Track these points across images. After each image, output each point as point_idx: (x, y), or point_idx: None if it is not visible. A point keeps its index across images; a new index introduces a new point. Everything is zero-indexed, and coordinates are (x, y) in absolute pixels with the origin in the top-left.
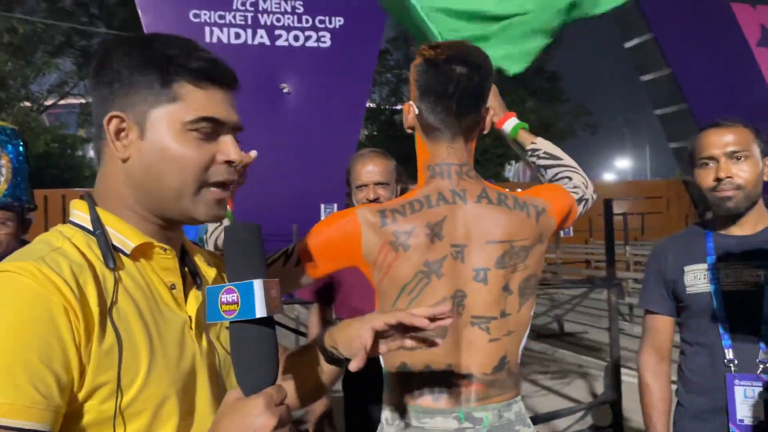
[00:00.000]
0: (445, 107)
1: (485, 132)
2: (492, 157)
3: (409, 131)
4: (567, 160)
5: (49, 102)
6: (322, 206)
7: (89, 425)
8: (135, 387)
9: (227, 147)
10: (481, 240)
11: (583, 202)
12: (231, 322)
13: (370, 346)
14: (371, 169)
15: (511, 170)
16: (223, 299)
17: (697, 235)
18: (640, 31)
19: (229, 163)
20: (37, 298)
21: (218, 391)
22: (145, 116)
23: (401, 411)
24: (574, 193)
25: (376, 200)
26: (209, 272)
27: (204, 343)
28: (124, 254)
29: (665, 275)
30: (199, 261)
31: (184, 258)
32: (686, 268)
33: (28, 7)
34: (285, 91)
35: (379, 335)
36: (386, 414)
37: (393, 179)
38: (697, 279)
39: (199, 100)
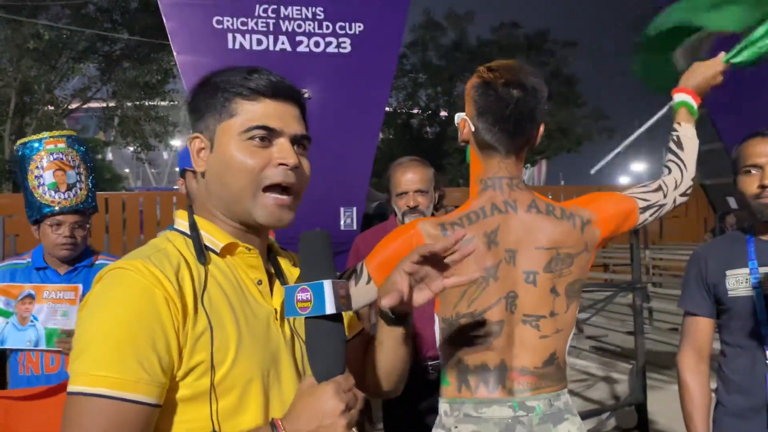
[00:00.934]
0: (502, 128)
1: (535, 146)
2: None
3: (463, 144)
4: (687, 153)
5: (72, 106)
6: (342, 210)
7: (188, 399)
8: (225, 365)
9: (282, 150)
10: (530, 246)
11: (652, 210)
12: (306, 318)
13: (408, 294)
14: (411, 177)
15: (526, 173)
16: (298, 297)
17: (739, 240)
18: None
19: (284, 165)
20: (143, 290)
21: (299, 376)
22: (214, 133)
23: (459, 403)
24: (645, 200)
25: (415, 207)
26: (294, 272)
27: (288, 332)
28: (215, 252)
29: (706, 279)
30: (284, 261)
31: (271, 258)
32: (728, 273)
33: (53, 14)
34: (306, 96)
35: (415, 281)
36: (444, 407)
37: (431, 186)
38: (738, 283)
39: (251, 112)
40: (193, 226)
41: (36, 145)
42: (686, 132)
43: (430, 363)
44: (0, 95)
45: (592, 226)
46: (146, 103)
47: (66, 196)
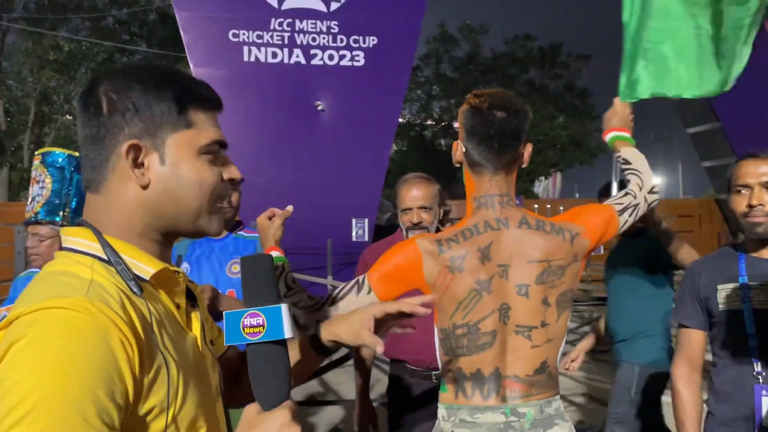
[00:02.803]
0: (488, 146)
1: (524, 165)
2: (522, 174)
3: (457, 165)
4: (636, 164)
5: None
6: (354, 221)
7: None
8: (177, 403)
9: (230, 166)
10: (522, 260)
11: (629, 210)
12: (251, 344)
13: (374, 332)
14: (415, 194)
15: (541, 186)
16: (245, 323)
17: (730, 256)
18: None
19: (233, 180)
20: (97, 335)
21: (222, 403)
22: (164, 143)
23: (456, 408)
24: (619, 203)
25: (419, 223)
26: (196, 290)
27: (210, 359)
28: (144, 281)
29: (699, 292)
30: (184, 278)
31: None
32: (719, 287)
33: (73, 26)
34: (319, 108)
35: (378, 323)
36: (442, 412)
37: (436, 203)
38: (729, 297)
39: (210, 126)
40: (111, 250)
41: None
42: (627, 152)
43: (434, 372)
44: (20, 105)
45: (581, 237)
46: None
47: (28, 209)
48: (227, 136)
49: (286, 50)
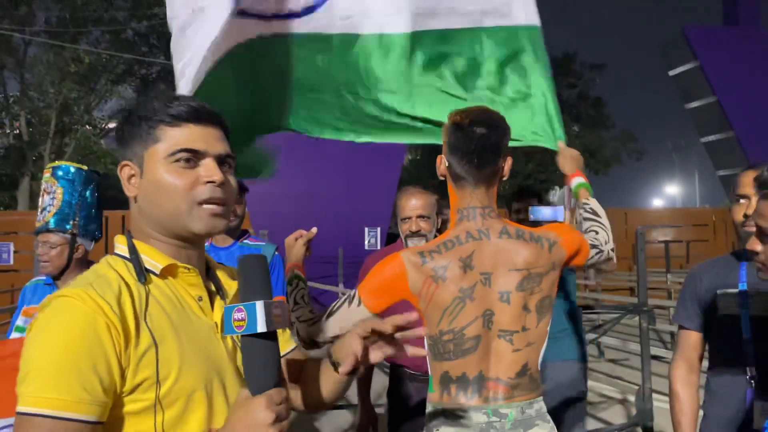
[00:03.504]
0: (468, 161)
1: (505, 178)
2: (536, 183)
3: (441, 178)
4: (603, 219)
5: (110, 125)
6: (366, 230)
7: (135, 413)
8: (170, 379)
9: (207, 169)
10: (504, 268)
11: (596, 250)
12: (241, 335)
13: (362, 355)
14: (414, 203)
15: (556, 195)
16: (234, 316)
17: (732, 263)
18: (685, 59)
19: (211, 182)
20: (85, 317)
21: (242, 385)
22: (142, 160)
23: (442, 408)
24: (592, 241)
25: (417, 232)
26: (232, 285)
27: (230, 344)
28: (155, 274)
29: (699, 296)
30: (223, 276)
31: (209, 274)
32: (719, 292)
33: (93, 39)
34: None
35: (369, 343)
36: (429, 412)
37: (434, 212)
38: (728, 303)
39: (175, 137)
40: (133, 249)
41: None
42: (594, 204)
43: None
44: (41, 116)
45: (559, 246)
46: None
47: (39, 218)
48: None
49: None
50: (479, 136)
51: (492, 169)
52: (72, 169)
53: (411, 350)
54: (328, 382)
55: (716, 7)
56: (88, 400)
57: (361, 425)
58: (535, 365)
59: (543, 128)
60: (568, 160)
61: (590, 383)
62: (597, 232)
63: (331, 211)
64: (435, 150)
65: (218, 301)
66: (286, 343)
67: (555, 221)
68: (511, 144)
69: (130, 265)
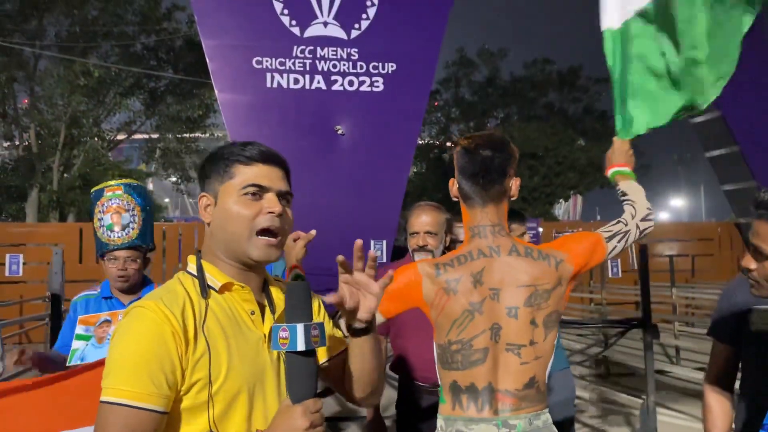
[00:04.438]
0: (476, 181)
1: (514, 197)
2: (541, 196)
3: (455, 199)
4: (632, 195)
5: (118, 138)
6: (372, 242)
7: (189, 408)
8: (219, 380)
9: (269, 202)
10: (512, 284)
11: (618, 237)
12: (286, 352)
13: (354, 302)
14: (424, 219)
15: (561, 208)
16: (280, 335)
17: None
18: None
19: (271, 213)
20: (155, 326)
21: (282, 393)
22: (218, 192)
23: (453, 419)
24: (608, 231)
25: (424, 246)
26: (283, 300)
27: (275, 355)
28: (214, 290)
29: (733, 310)
30: (276, 292)
31: (265, 288)
32: (754, 308)
33: (102, 52)
34: (339, 132)
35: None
36: (440, 422)
37: (442, 230)
38: (762, 318)
39: (246, 174)
40: (200, 268)
41: (100, 192)
42: (627, 185)
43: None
44: (51, 129)
45: (565, 263)
46: (187, 136)
47: (120, 234)
48: None
49: (307, 76)
50: (484, 158)
51: (498, 189)
52: (143, 187)
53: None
54: (356, 356)
55: None
56: (156, 393)
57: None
58: (542, 378)
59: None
60: (617, 153)
61: (595, 396)
62: (624, 210)
63: (337, 224)
64: (440, 162)
65: (269, 315)
66: (341, 344)
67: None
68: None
69: (196, 281)
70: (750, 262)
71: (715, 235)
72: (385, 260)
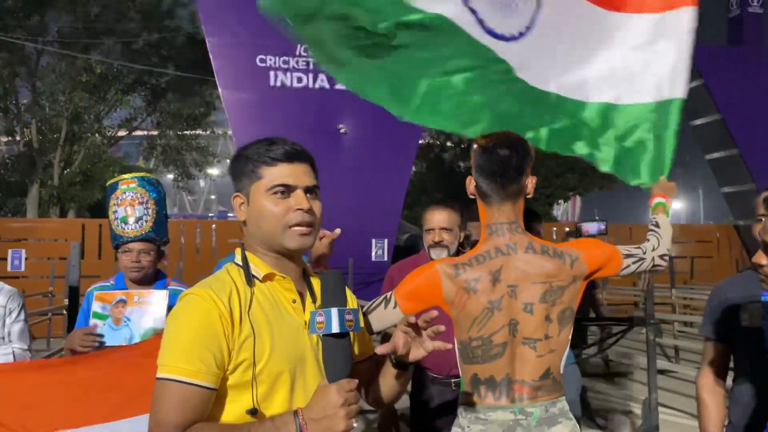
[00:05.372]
0: (493, 179)
1: (530, 196)
2: (541, 197)
3: (472, 197)
4: (662, 230)
5: (119, 134)
6: (373, 241)
7: (235, 386)
8: (263, 362)
9: (297, 199)
10: (528, 281)
11: (634, 259)
12: (322, 335)
13: (404, 348)
14: (439, 217)
15: (560, 209)
16: (317, 319)
17: (753, 278)
18: (690, 77)
19: (300, 210)
20: (205, 310)
21: (321, 374)
22: (249, 192)
23: (472, 407)
24: (628, 251)
25: (440, 242)
26: None
27: (314, 340)
28: (258, 279)
29: (724, 309)
30: (316, 282)
31: (306, 279)
32: (742, 306)
33: (105, 49)
34: (342, 131)
35: (411, 339)
36: (461, 410)
37: (457, 226)
38: (751, 315)
39: (273, 175)
40: (245, 259)
41: (114, 185)
42: (662, 219)
43: (453, 380)
44: (52, 125)
45: (580, 262)
46: (188, 134)
47: (133, 227)
48: None
49: (310, 75)
50: (502, 158)
51: (516, 188)
52: (157, 180)
53: (437, 344)
54: (388, 378)
55: (720, 27)
56: (206, 371)
57: (383, 426)
58: (557, 369)
59: (651, 171)
60: (661, 186)
61: (597, 395)
62: (649, 240)
63: (340, 224)
64: (441, 162)
65: (309, 303)
66: (365, 353)
67: (600, 233)
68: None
69: (242, 271)
70: (762, 258)
71: (714, 238)
72: (386, 259)
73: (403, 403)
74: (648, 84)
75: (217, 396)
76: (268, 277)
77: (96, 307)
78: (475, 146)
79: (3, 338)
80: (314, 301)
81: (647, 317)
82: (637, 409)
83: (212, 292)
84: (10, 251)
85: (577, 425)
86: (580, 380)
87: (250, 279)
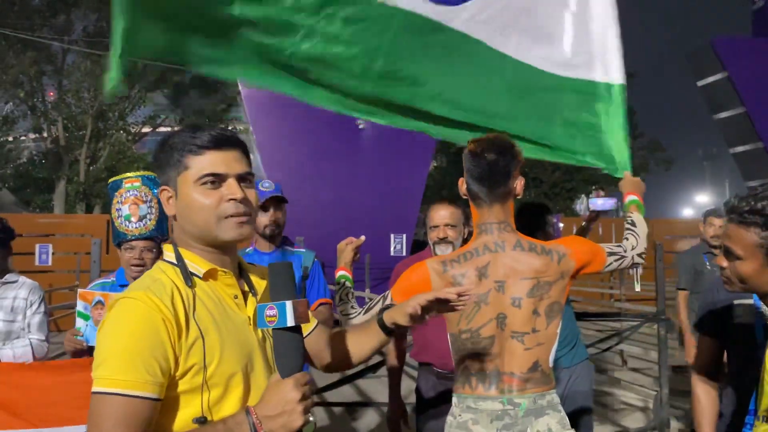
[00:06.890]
0: (482, 182)
1: (518, 196)
2: (562, 192)
3: (464, 197)
4: (638, 228)
5: (143, 131)
6: (392, 236)
7: (186, 392)
8: (213, 365)
9: (229, 188)
10: (516, 277)
11: (616, 256)
12: (273, 329)
13: (420, 314)
14: (443, 214)
15: (582, 204)
16: (267, 313)
17: None
18: (713, 69)
19: (233, 199)
20: (146, 315)
21: (269, 369)
22: (176, 184)
23: (464, 397)
24: (611, 249)
25: (444, 238)
26: (261, 284)
27: (260, 335)
28: (198, 277)
29: (717, 305)
30: (254, 276)
31: (242, 274)
32: (736, 302)
33: None
34: (360, 126)
35: (424, 310)
36: (455, 399)
37: (461, 222)
38: (744, 311)
39: (201, 164)
40: (179, 257)
41: (118, 183)
42: (637, 217)
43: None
44: (77, 122)
45: (567, 258)
46: None
47: (137, 225)
48: (273, 152)
49: None
50: (490, 162)
51: (503, 190)
52: (155, 178)
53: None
54: (372, 339)
55: (745, 20)
56: (150, 381)
57: (392, 419)
58: (546, 362)
59: (610, 159)
60: (629, 183)
61: (611, 390)
62: (627, 239)
63: (358, 219)
64: (460, 157)
65: (250, 298)
66: (311, 324)
67: (611, 209)
68: (566, 160)
69: (178, 269)
70: (722, 261)
71: None
72: (404, 254)
73: (412, 397)
74: (581, 56)
75: (165, 404)
76: (210, 274)
77: (80, 306)
78: (465, 150)
79: (23, 329)
80: (255, 295)
81: (658, 313)
82: (649, 403)
83: (152, 293)
84: (37, 246)
85: (566, 417)
86: (593, 376)
87: (188, 277)
